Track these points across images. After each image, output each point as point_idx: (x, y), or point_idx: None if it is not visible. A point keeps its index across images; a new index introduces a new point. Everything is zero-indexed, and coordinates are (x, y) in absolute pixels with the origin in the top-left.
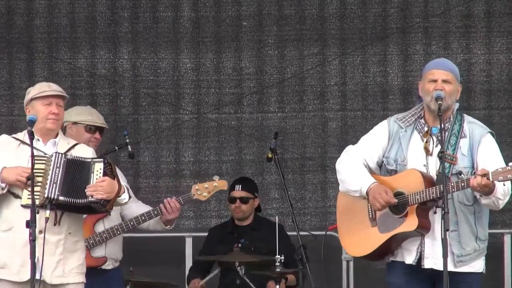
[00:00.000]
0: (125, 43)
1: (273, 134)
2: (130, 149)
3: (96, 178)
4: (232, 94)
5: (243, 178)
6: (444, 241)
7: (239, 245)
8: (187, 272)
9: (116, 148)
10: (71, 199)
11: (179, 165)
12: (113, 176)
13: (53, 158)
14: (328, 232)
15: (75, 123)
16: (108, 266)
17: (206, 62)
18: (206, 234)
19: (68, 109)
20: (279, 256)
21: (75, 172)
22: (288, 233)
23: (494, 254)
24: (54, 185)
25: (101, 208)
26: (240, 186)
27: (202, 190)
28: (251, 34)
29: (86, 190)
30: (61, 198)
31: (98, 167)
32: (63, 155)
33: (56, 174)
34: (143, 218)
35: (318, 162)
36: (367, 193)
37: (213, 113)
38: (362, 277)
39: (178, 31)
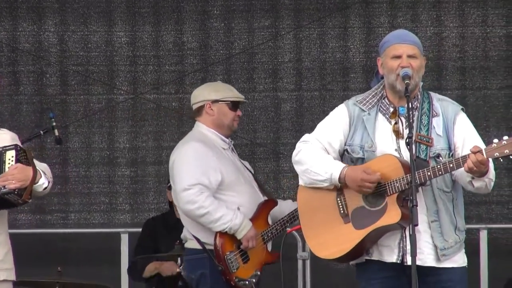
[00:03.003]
0: (51, 13)
1: None
2: (57, 133)
3: (8, 168)
4: (172, 72)
5: None
6: (412, 238)
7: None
8: (122, 272)
9: (41, 132)
10: None
11: (113, 152)
12: (28, 163)
13: None
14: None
15: (215, 101)
16: None
17: (143, 36)
18: None
19: (197, 88)
20: None
21: None
22: None
23: (469, 251)
24: None
25: (17, 199)
26: None
27: None
28: (193, 4)
29: None
30: None
31: (10, 155)
32: None
33: None
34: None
35: (270, 149)
36: (340, 180)
37: (151, 93)
38: (320, 278)
39: (111, 0)
